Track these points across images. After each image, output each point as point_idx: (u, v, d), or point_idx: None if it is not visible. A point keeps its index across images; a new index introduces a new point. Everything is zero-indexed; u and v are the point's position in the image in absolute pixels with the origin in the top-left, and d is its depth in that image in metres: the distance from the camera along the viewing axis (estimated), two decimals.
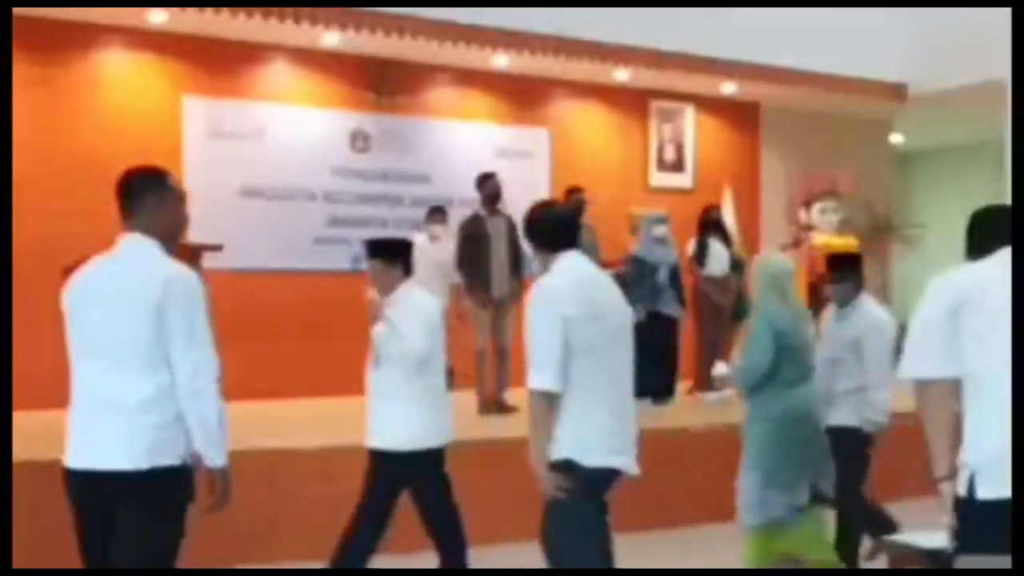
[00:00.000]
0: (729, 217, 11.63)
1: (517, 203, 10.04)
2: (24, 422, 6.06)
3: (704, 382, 9.18)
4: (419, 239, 8.18)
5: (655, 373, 8.82)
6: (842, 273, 5.46)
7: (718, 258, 9.31)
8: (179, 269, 3.42)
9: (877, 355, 5.27)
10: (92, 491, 3.31)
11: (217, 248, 6.99)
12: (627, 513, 4.46)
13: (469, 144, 10.44)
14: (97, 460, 3.32)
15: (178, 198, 3.59)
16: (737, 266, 9.53)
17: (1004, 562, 2.75)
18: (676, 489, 6.97)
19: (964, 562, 2.90)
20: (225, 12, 8.43)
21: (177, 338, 3.30)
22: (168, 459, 3.30)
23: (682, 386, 9.16)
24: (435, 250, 8.78)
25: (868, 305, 5.43)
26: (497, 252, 8.08)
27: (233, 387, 8.89)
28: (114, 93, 8.98)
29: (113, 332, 3.33)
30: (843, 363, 5.32)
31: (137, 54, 9.08)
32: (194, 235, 8.85)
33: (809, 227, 12.18)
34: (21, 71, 8.52)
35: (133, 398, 3.29)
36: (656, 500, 6.49)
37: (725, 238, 9.64)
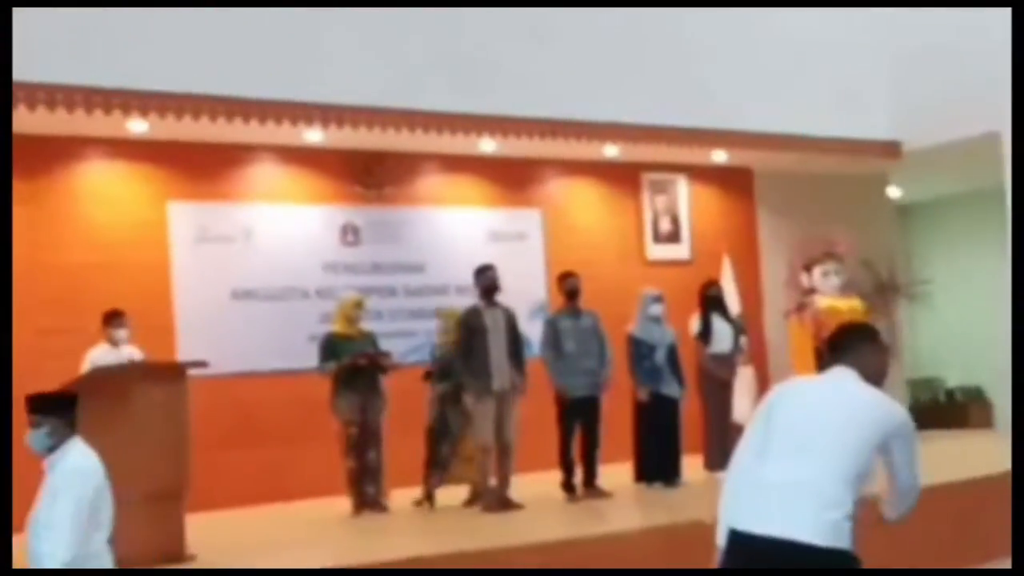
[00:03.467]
0: (730, 286, 11.50)
1: (513, 286, 10.09)
2: None
3: (714, 461, 8.98)
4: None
5: (662, 456, 8.66)
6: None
7: (722, 336, 9.17)
8: None
9: None
10: None
11: (201, 365, 6.84)
12: None
13: (461, 230, 10.35)
14: None
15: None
16: (738, 341, 9.38)
17: None
18: None
19: None
20: (205, 116, 8.36)
21: None
22: None
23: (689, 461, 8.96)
24: (115, 356, 7.89)
25: None
26: (496, 344, 7.94)
27: (236, 492, 8.88)
28: (99, 205, 8.90)
29: None
30: None
31: (120, 164, 9.02)
32: (186, 341, 8.90)
33: (812, 291, 12.04)
34: None
35: None
36: None
37: (726, 313, 9.49)
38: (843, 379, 3.65)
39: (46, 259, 8.60)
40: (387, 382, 8.30)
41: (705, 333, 9.08)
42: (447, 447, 8.34)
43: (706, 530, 6.98)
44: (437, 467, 8.38)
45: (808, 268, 12.01)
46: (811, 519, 3.42)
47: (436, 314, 8.94)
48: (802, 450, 3.51)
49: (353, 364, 8.11)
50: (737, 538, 3.54)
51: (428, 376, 8.58)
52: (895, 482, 3.65)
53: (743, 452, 3.63)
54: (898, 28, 11.23)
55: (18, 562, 4.33)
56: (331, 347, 8.23)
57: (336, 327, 8.38)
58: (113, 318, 7.94)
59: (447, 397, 8.34)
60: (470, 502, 8.25)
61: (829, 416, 3.55)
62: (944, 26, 10.84)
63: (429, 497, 8.37)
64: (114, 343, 7.89)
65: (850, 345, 3.73)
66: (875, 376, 3.69)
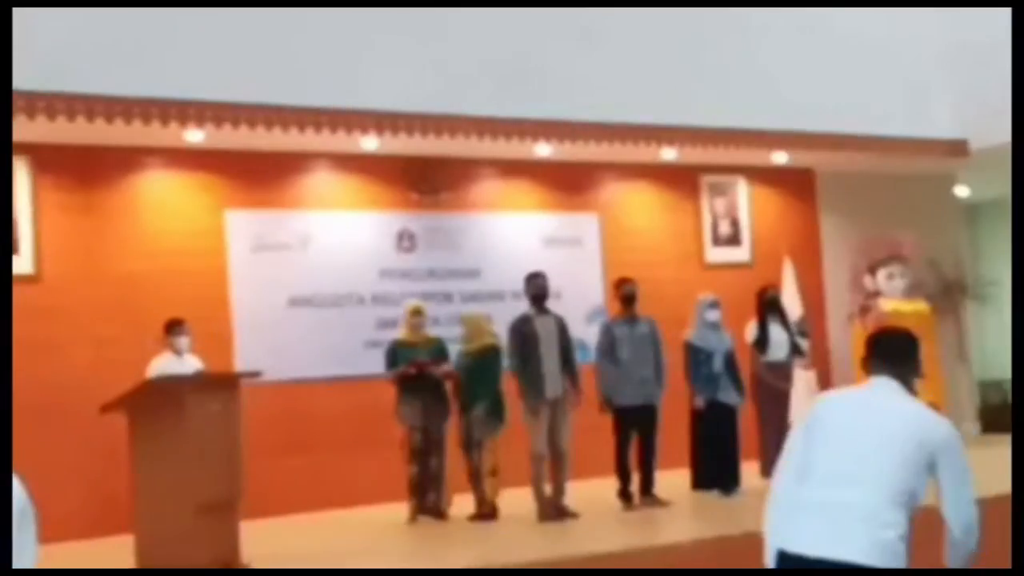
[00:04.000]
0: (791, 289, 11.34)
1: (570, 291, 10.04)
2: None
3: (770, 468, 8.84)
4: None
5: (719, 463, 8.54)
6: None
7: (778, 343, 9.02)
8: None
9: None
10: None
11: (256, 375, 6.88)
12: None
13: (517, 236, 10.29)
14: None
15: None
16: (797, 349, 9.22)
17: None
18: None
19: None
20: (260, 125, 8.40)
21: None
22: None
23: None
24: (179, 365, 7.89)
25: None
26: (548, 352, 7.89)
27: (293, 499, 8.93)
28: (156, 214, 8.99)
29: None
30: None
31: (177, 174, 9.09)
32: (244, 348, 8.97)
33: (876, 294, 11.82)
34: (64, 199, 8.63)
35: None
36: None
37: (783, 319, 9.33)
38: (887, 392, 3.56)
39: (104, 269, 8.70)
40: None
41: (761, 341, 8.94)
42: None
43: (759, 542, 6.94)
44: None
45: (872, 270, 11.81)
46: (866, 540, 3.34)
47: (460, 321, 8.71)
48: (849, 470, 3.42)
49: (405, 372, 8.13)
50: (789, 560, 3.46)
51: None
52: (947, 512, 3.49)
53: (786, 469, 3.54)
54: (963, 25, 10.97)
55: None
56: (392, 354, 8.33)
57: (400, 334, 8.43)
58: (175, 327, 8.03)
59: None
60: (476, 516, 8.06)
61: (874, 433, 3.45)
62: (1008, 23, 10.58)
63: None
64: (177, 352, 7.96)
65: (893, 354, 3.63)
66: (914, 386, 3.62)
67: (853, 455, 3.43)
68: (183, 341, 7.99)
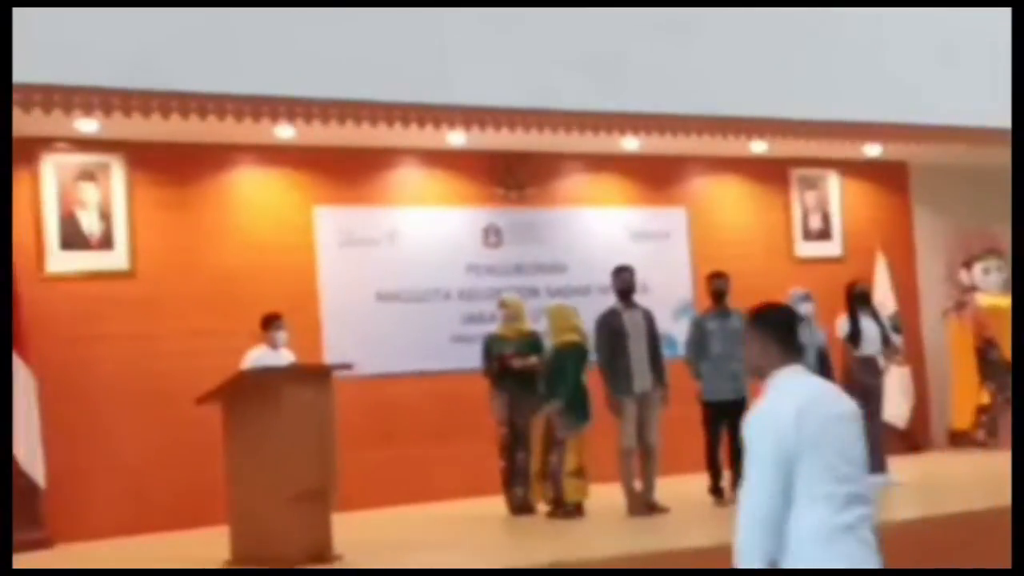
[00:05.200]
0: (884, 284, 11.13)
1: (658, 285, 9.95)
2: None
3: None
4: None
5: None
6: None
7: (870, 337, 8.80)
8: None
9: None
10: None
11: (347, 367, 6.91)
12: None
13: (604, 230, 10.24)
14: None
15: None
16: (888, 343, 9.00)
17: None
18: None
19: None
20: (349, 121, 8.45)
21: None
22: None
23: None
24: (274, 358, 7.96)
25: None
26: (636, 346, 7.83)
27: (380, 492, 8.96)
28: (246, 210, 9.10)
29: None
30: None
31: (267, 170, 9.21)
32: (332, 342, 9.04)
33: (972, 288, 11.56)
34: (156, 194, 8.79)
35: None
36: None
37: (874, 313, 9.11)
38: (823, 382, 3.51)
39: (197, 264, 8.84)
40: None
41: (854, 335, 8.72)
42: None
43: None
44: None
45: (968, 265, 11.60)
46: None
47: (544, 313, 8.58)
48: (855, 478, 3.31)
49: (489, 367, 8.20)
50: None
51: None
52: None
53: (775, 496, 3.23)
54: None
55: None
56: (486, 348, 8.37)
57: (497, 328, 8.52)
58: (272, 321, 8.13)
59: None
60: (553, 513, 7.95)
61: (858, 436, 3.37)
62: None
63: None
64: (273, 345, 8.05)
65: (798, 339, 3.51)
66: None
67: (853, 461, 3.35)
68: (280, 335, 8.09)
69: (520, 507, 8.18)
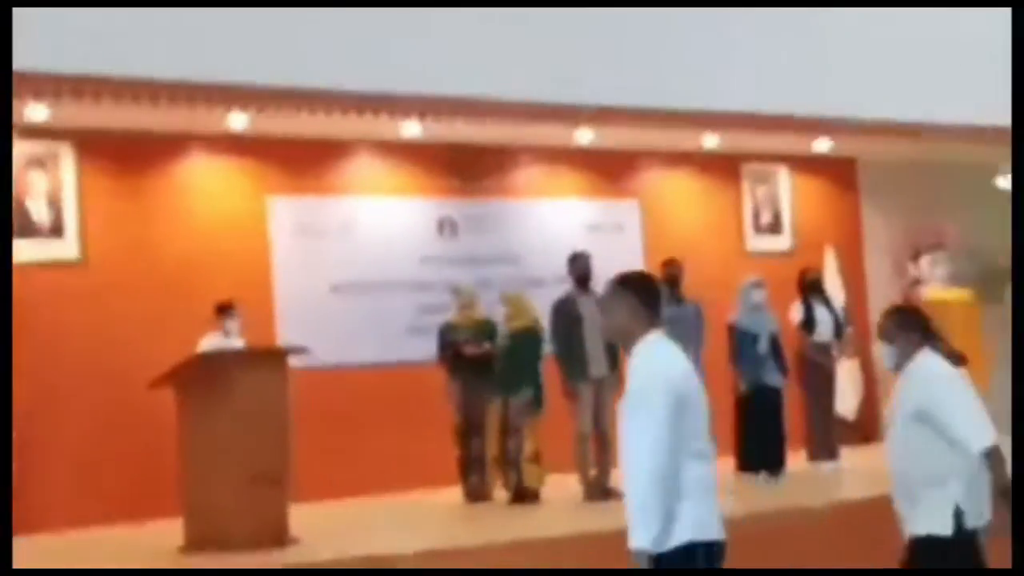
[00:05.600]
0: (834, 277, 11.26)
1: (611, 277, 9.98)
2: None
3: (818, 452, 8.79)
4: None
5: (766, 446, 8.49)
6: None
7: (824, 323, 8.93)
8: None
9: None
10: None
11: (303, 351, 6.89)
12: None
13: (558, 222, 10.27)
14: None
15: None
16: (840, 330, 9.14)
17: None
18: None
19: None
20: (304, 111, 8.42)
21: None
22: None
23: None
24: (226, 346, 7.95)
25: None
26: (591, 332, 7.87)
27: (335, 483, 8.92)
28: (200, 199, 9.04)
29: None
30: None
31: (221, 159, 9.15)
32: (286, 333, 8.98)
33: (919, 281, 11.73)
34: (109, 183, 8.70)
35: None
36: None
37: (826, 301, 9.25)
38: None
39: (149, 253, 8.77)
40: None
41: (808, 321, 8.84)
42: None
43: (813, 516, 6.86)
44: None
45: (915, 258, 11.77)
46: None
47: (501, 299, 8.56)
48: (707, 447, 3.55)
49: (445, 354, 8.23)
50: (710, 551, 3.48)
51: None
52: None
53: (672, 453, 3.39)
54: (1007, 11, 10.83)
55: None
56: (441, 335, 8.40)
57: (451, 316, 8.54)
58: (225, 309, 8.10)
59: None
60: (515, 500, 7.99)
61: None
62: None
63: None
64: (226, 333, 8.01)
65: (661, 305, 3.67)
66: None
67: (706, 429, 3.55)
68: (233, 323, 8.05)
69: (476, 495, 8.20)
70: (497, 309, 8.58)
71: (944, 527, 4.14)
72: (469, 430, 8.19)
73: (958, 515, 4.14)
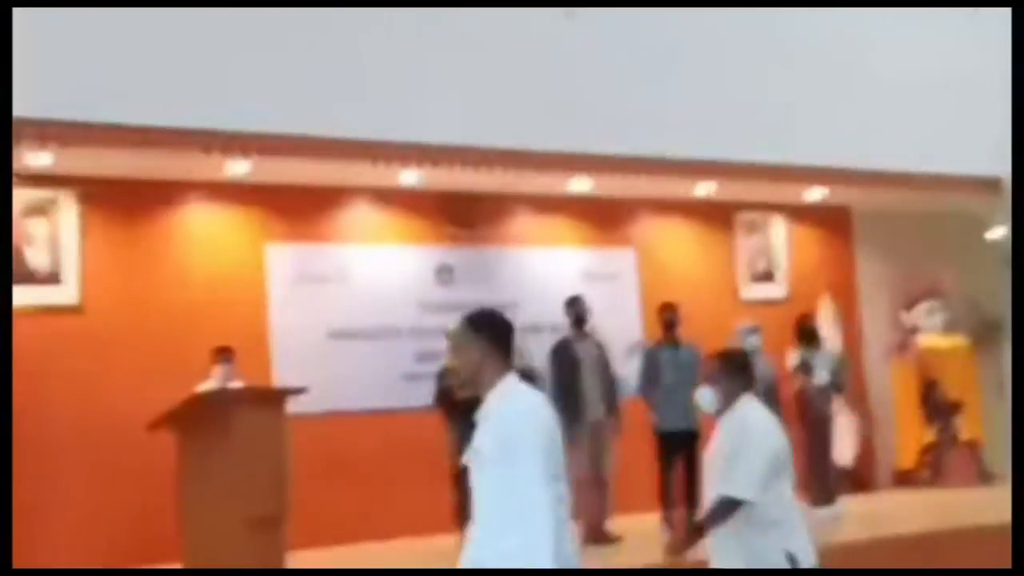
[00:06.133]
0: (830, 324, 11.29)
1: (607, 325, 10.02)
2: None
3: (816, 497, 8.77)
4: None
5: None
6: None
7: (820, 367, 8.93)
8: None
9: None
10: None
11: (301, 392, 6.88)
12: None
13: (554, 270, 10.32)
14: None
15: None
16: (837, 377, 9.16)
17: None
18: None
19: None
20: (303, 158, 8.50)
21: None
22: None
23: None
24: None
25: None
26: (588, 375, 7.89)
27: (330, 530, 8.85)
28: (198, 248, 9.09)
29: None
30: None
31: (220, 206, 9.22)
32: (283, 379, 8.97)
33: (914, 330, 11.79)
34: (107, 230, 8.75)
35: None
36: None
37: (819, 347, 9.28)
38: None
39: (147, 300, 8.79)
40: None
41: (806, 364, 8.84)
42: None
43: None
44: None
45: (910, 306, 11.84)
46: None
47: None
48: None
49: (437, 398, 8.20)
50: None
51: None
52: None
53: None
54: (1002, 59, 10.96)
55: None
56: (436, 379, 8.34)
57: (446, 360, 8.45)
58: (221, 354, 8.10)
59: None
60: None
61: None
62: None
63: None
64: (224, 378, 8.02)
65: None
66: None
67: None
68: (230, 367, 8.05)
69: None
70: None
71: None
72: (465, 474, 8.13)
73: (791, 559, 4.14)
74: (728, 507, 4.17)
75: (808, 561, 4.21)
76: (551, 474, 3.29)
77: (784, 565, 4.12)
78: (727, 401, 4.39)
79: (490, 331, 3.46)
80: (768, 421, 4.37)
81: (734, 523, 4.20)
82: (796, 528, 4.26)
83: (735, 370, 4.45)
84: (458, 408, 8.09)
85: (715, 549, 4.34)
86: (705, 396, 4.45)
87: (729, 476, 4.17)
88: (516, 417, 3.31)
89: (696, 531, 4.30)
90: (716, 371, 4.47)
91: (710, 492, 4.33)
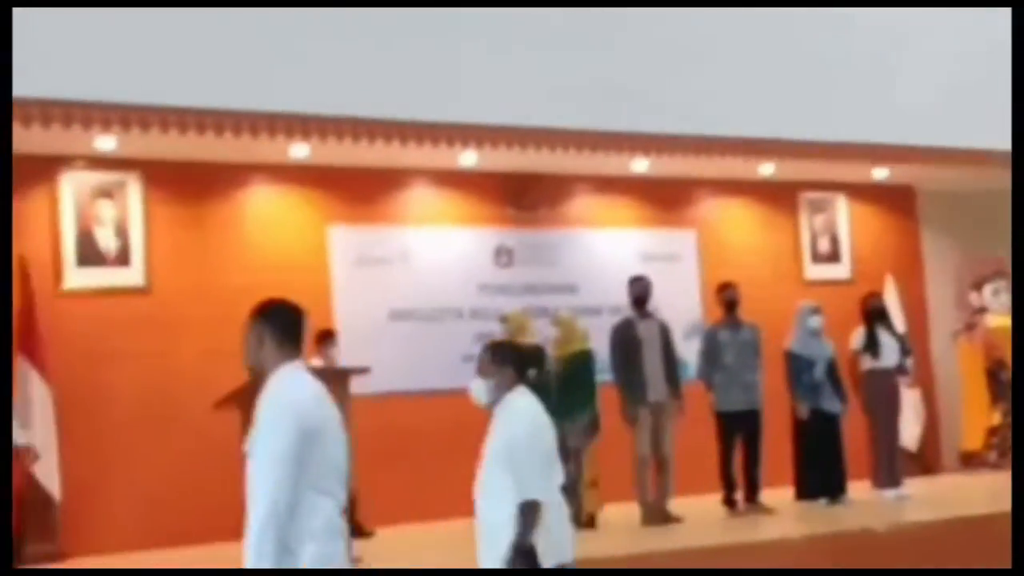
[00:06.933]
0: (894, 306, 11.14)
1: (667, 306, 9.98)
2: None
3: (882, 479, 8.67)
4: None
5: (826, 472, 8.39)
6: None
7: (888, 349, 8.78)
8: None
9: None
10: None
11: (364, 371, 6.94)
12: None
13: (614, 251, 10.29)
14: None
15: None
16: (907, 354, 9.02)
17: None
18: None
19: None
20: (364, 140, 8.56)
21: None
22: None
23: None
24: None
25: None
26: (651, 356, 7.86)
27: (390, 511, 8.90)
28: (261, 229, 9.18)
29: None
30: None
31: (282, 189, 9.31)
32: (345, 360, 9.04)
33: (982, 310, 11.59)
34: (171, 212, 8.87)
35: None
36: None
37: (889, 327, 9.13)
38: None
39: (212, 282, 8.89)
40: None
41: (871, 345, 8.70)
42: (574, 466, 7.98)
43: (877, 539, 6.77)
44: None
45: (978, 287, 11.63)
46: None
47: (552, 322, 8.47)
48: None
49: None
50: None
51: None
52: None
53: (296, 489, 3.26)
54: None
55: None
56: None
57: None
58: (326, 337, 8.29)
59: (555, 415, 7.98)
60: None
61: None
62: None
63: None
64: (327, 360, 8.14)
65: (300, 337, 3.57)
66: None
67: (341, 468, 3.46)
68: (334, 350, 8.26)
69: None
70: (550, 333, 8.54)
71: (501, 565, 4.13)
72: None
73: (527, 554, 4.11)
74: (533, 510, 4.14)
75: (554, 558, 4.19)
76: (319, 488, 3.24)
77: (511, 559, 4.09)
78: (499, 392, 4.37)
79: (271, 321, 3.52)
80: (537, 414, 4.34)
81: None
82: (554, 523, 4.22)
83: (505, 361, 4.42)
84: None
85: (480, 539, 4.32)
86: (477, 388, 4.43)
87: (518, 475, 4.16)
88: (275, 409, 3.30)
89: (525, 555, 4.15)
90: (486, 363, 4.44)
91: (480, 476, 4.34)
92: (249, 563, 3.17)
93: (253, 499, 3.21)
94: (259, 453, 3.24)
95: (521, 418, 4.28)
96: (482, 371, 4.41)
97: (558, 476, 4.38)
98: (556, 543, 4.26)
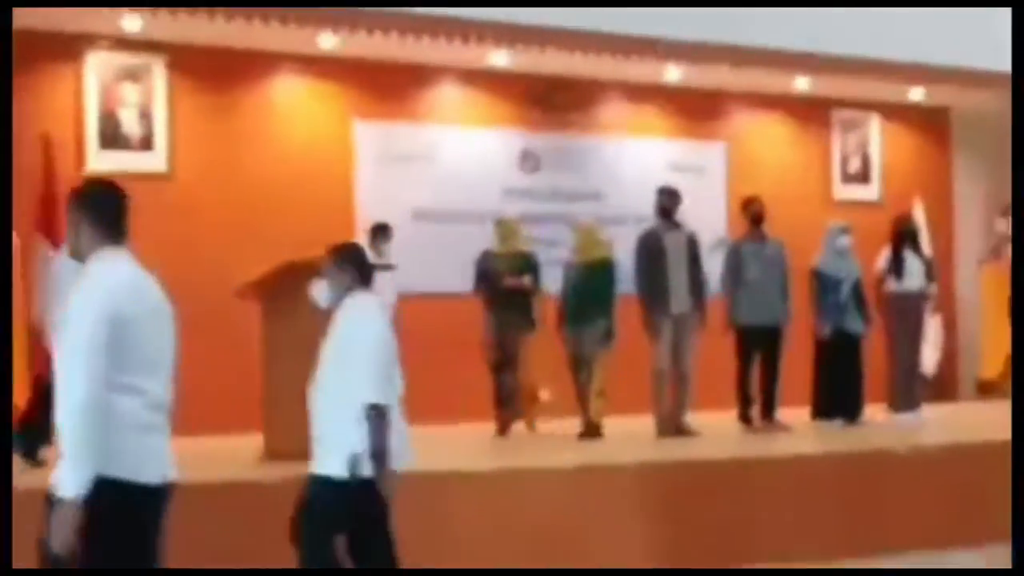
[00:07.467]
0: (921, 229, 11.01)
1: (693, 219, 9.87)
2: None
3: (899, 402, 8.62)
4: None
5: (843, 392, 8.35)
6: None
7: (913, 271, 8.65)
8: None
9: None
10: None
11: (389, 268, 6.89)
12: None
13: (641, 160, 10.16)
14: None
15: None
16: (933, 279, 8.90)
17: None
18: (887, 513, 6.43)
19: None
20: (394, 35, 8.40)
21: None
22: None
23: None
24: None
25: None
26: (675, 267, 7.74)
27: (427, 409, 8.85)
28: (286, 120, 9.08)
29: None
30: None
31: (309, 80, 9.18)
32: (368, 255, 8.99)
33: (1008, 237, 11.44)
34: (196, 98, 8.76)
35: None
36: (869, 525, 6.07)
37: (917, 249, 8.99)
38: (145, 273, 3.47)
39: (235, 169, 8.86)
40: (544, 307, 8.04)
41: (897, 267, 8.57)
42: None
43: (895, 460, 6.74)
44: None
45: (1006, 213, 11.47)
46: None
47: (572, 229, 8.25)
48: None
49: (479, 286, 8.05)
50: None
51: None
52: None
53: (103, 381, 3.04)
54: None
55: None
56: (477, 264, 8.14)
57: (492, 246, 8.28)
58: (380, 231, 8.22)
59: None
60: (583, 434, 7.75)
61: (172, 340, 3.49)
62: None
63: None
64: (379, 254, 8.01)
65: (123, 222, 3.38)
66: None
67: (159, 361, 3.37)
68: (387, 245, 8.18)
69: (506, 429, 8.04)
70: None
71: (340, 470, 4.10)
72: (504, 364, 8.04)
73: (354, 461, 4.07)
74: (381, 413, 4.12)
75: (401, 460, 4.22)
76: (122, 382, 3.07)
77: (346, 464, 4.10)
78: (338, 295, 4.33)
79: (85, 205, 3.24)
80: (378, 317, 4.31)
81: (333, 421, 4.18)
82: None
83: (345, 264, 4.37)
84: (501, 296, 8.00)
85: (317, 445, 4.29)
86: (318, 290, 4.41)
87: (359, 378, 4.12)
88: (83, 294, 3.09)
89: (379, 457, 4.10)
90: (328, 265, 4.39)
91: (318, 378, 4.32)
92: (63, 470, 2.93)
93: (61, 393, 2.97)
94: (64, 344, 3.02)
95: (362, 320, 4.23)
96: (323, 273, 4.35)
97: (398, 380, 4.35)
98: (403, 445, 4.29)
